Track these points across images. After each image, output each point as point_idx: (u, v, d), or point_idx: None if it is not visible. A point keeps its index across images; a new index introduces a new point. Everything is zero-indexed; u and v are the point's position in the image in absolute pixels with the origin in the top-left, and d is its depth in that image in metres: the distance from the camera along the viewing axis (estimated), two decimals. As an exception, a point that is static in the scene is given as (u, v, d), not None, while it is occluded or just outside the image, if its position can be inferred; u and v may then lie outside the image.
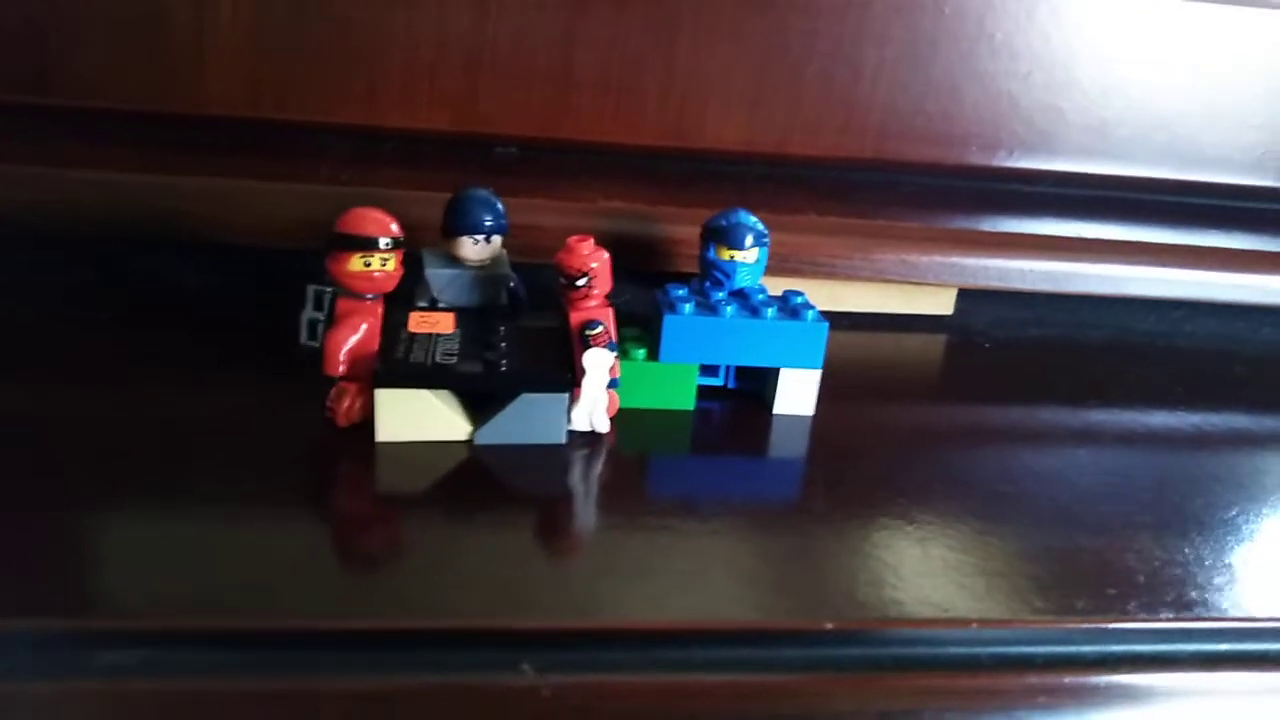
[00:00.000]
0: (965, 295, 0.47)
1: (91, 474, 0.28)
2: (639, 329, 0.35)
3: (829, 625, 0.25)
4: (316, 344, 0.30)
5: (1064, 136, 0.49)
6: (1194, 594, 0.27)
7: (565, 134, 0.46)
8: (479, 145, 0.46)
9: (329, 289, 0.31)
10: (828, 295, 0.44)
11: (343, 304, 0.31)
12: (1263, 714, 0.26)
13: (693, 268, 0.39)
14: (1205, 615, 0.27)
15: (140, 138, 0.42)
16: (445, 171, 0.44)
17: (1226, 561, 0.29)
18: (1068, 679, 0.25)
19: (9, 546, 0.25)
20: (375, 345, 0.31)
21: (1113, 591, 0.27)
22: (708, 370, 0.36)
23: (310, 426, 0.31)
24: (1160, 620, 0.26)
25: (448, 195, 0.34)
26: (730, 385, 0.37)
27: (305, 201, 0.39)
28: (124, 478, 0.28)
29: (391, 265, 0.31)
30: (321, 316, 0.30)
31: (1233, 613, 0.27)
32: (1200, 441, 0.38)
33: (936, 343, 0.45)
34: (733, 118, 0.46)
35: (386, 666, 0.23)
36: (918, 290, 0.45)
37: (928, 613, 0.26)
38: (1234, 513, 0.32)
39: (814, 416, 0.35)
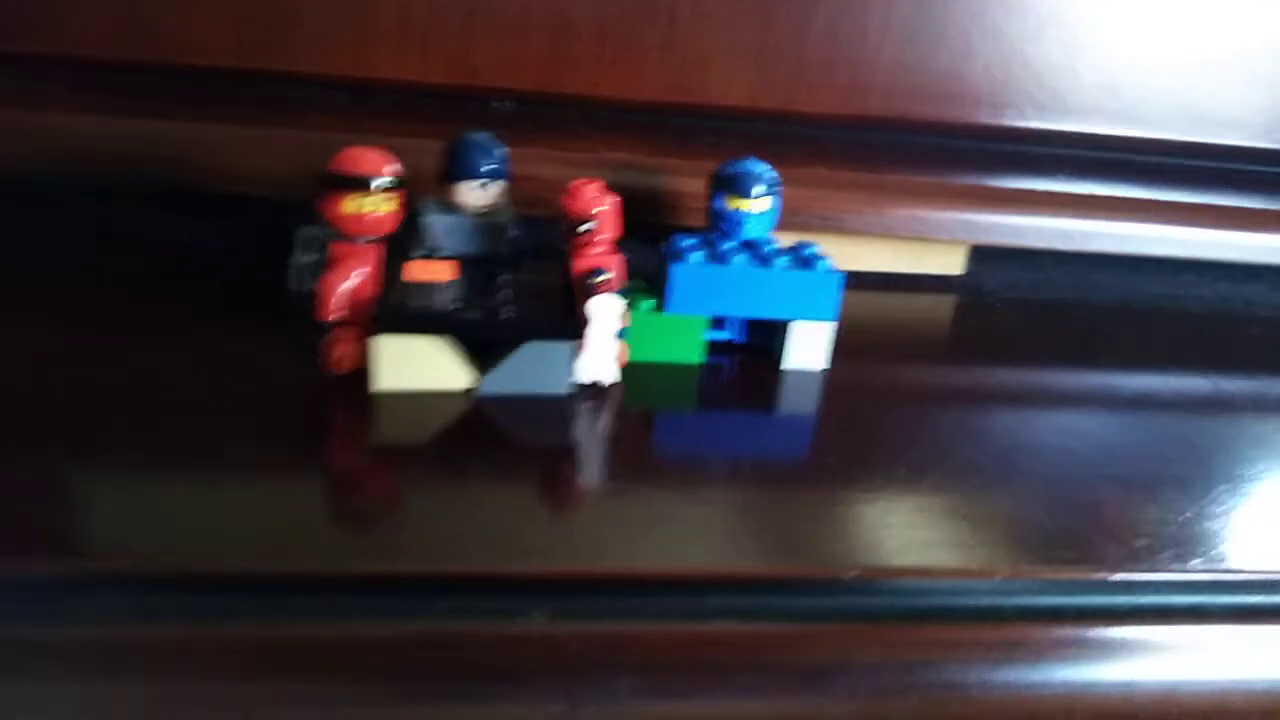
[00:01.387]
0: (975, 256, 0.45)
1: (83, 423, 0.27)
2: (645, 281, 0.34)
3: (851, 573, 0.24)
4: (305, 290, 0.29)
5: (1077, 96, 0.47)
6: (1225, 547, 0.26)
7: (564, 88, 0.45)
8: (474, 99, 0.45)
9: (322, 232, 0.29)
10: (836, 254, 0.42)
11: (337, 247, 0.29)
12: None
13: (697, 221, 0.38)
14: (1239, 568, 0.26)
15: (126, 87, 0.40)
16: (440, 125, 0.42)
17: (1257, 515, 0.28)
18: (1089, 631, 0.24)
19: (6, 493, 0.24)
20: (371, 290, 0.29)
21: (1142, 543, 0.26)
22: (716, 324, 0.35)
23: (305, 375, 0.30)
24: (1193, 572, 0.25)
25: (443, 144, 0.33)
26: (739, 339, 0.35)
27: (294, 148, 0.37)
28: (112, 426, 0.27)
29: (388, 207, 0.29)
30: (314, 260, 0.29)
31: (1267, 566, 0.26)
32: (1219, 401, 0.37)
33: (946, 302, 0.44)
34: (737, 72, 0.45)
35: (392, 612, 0.22)
36: (928, 249, 0.44)
37: (952, 561, 0.24)
38: (1259, 469, 0.31)
39: (824, 372, 0.34)
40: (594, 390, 0.31)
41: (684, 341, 0.33)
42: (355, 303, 0.29)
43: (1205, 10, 0.47)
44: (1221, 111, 0.49)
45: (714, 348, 0.34)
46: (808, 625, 0.23)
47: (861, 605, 0.24)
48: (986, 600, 0.24)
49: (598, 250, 0.31)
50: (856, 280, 0.43)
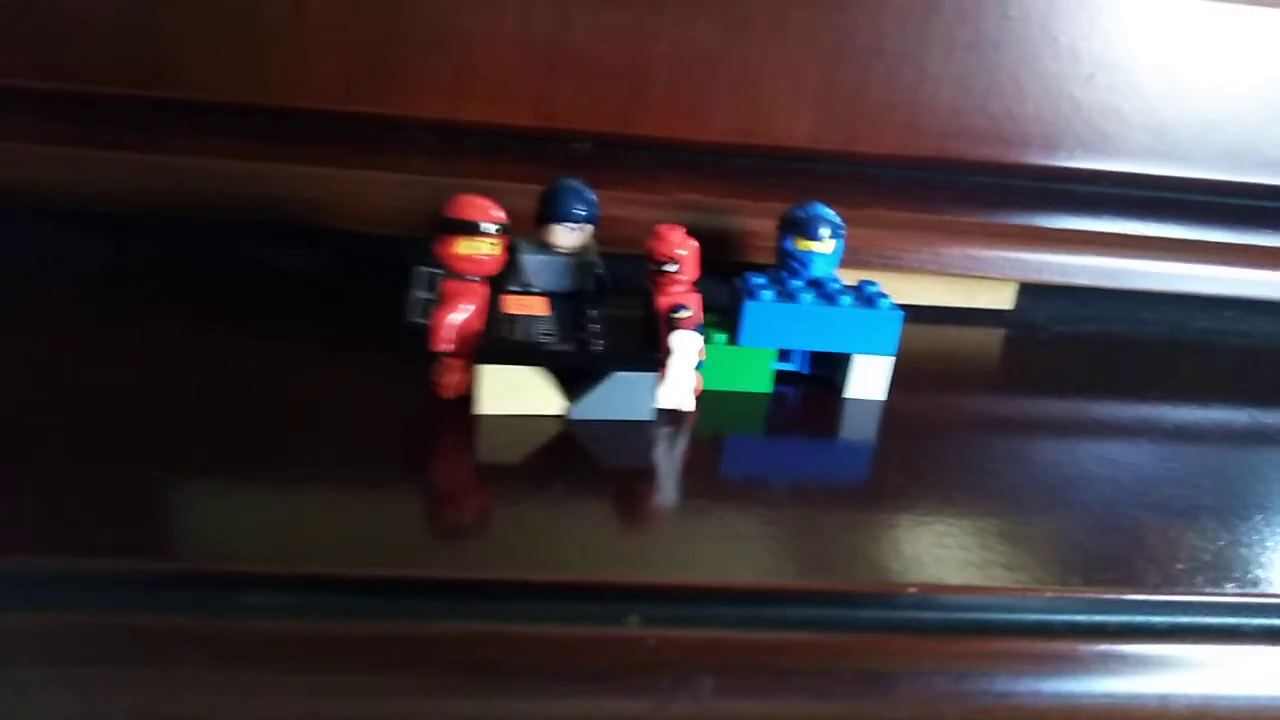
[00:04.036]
0: (1024, 291, 0.48)
1: (215, 437, 0.30)
2: (717, 315, 0.37)
3: (911, 589, 0.27)
4: (424, 321, 0.32)
5: (1124, 137, 0.50)
6: (1259, 572, 0.29)
7: (638, 130, 0.48)
8: (556, 140, 0.48)
9: (437, 270, 0.33)
10: (892, 289, 0.45)
11: (448, 285, 0.33)
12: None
13: (764, 259, 0.41)
14: (1271, 592, 0.28)
15: (240, 128, 0.44)
16: (524, 165, 0.46)
17: (1289, 544, 0.30)
18: (1137, 648, 0.27)
19: (146, 498, 0.27)
20: (478, 324, 0.33)
21: (1180, 567, 0.28)
22: (784, 355, 0.37)
23: (416, 399, 0.33)
24: (1227, 595, 0.28)
25: (529, 186, 0.36)
26: (805, 370, 0.38)
27: (399, 190, 0.41)
28: (245, 443, 0.30)
29: (496, 249, 0.33)
30: (430, 296, 0.32)
31: (1296, 590, 0.28)
32: (1257, 434, 0.39)
33: (997, 336, 0.46)
34: (801, 115, 0.48)
35: (496, 616, 0.25)
36: (980, 285, 0.47)
37: (1001, 580, 0.27)
38: (1296, 500, 0.33)
39: (884, 402, 0.37)
40: (673, 416, 0.34)
41: (754, 372, 0.36)
42: (463, 335, 0.33)
43: (1250, 53, 0.49)
44: (1264, 152, 0.51)
45: (781, 377, 0.37)
46: (869, 635, 0.26)
47: (918, 619, 0.27)
48: (1033, 616, 0.27)
49: (679, 289, 0.34)
50: (912, 313, 0.46)
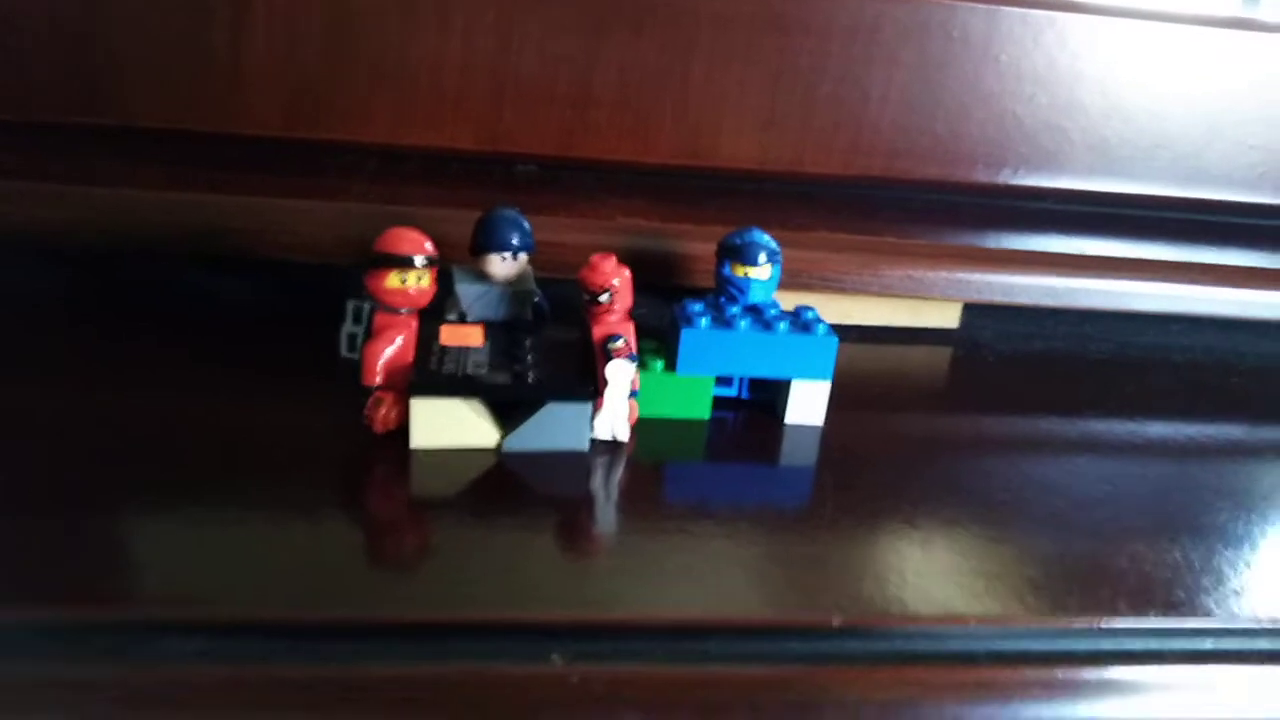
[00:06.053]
0: (970, 309, 0.48)
1: (139, 474, 0.30)
2: (656, 341, 0.37)
3: (836, 621, 0.27)
4: (355, 356, 0.32)
5: (1068, 155, 0.50)
6: (1181, 594, 0.29)
7: (583, 152, 0.48)
8: (500, 163, 0.48)
9: (366, 303, 0.33)
10: (837, 309, 0.46)
11: (380, 318, 0.33)
12: (1246, 707, 0.28)
13: (706, 282, 0.41)
14: (1191, 614, 0.28)
15: (180, 156, 0.44)
16: (467, 189, 0.46)
17: (1214, 565, 0.30)
18: (1061, 673, 0.27)
19: (62, 541, 0.27)
20: (410, 357, 0.33)
21: (1105, 592, 0.29)
22: (722, 381, 0.37)
23: (349, 433, 0.33)
24: (1148, 618, 0.28)
25: (471, 212, 0.36)
26: (744, 396, 0.38)
27: (337, 219, 0.41)
28: (172, 479, 0.30)
29: (426, 282, 0.33)
30: (360, 330, 0.32)
31: (1217, 613, 0.28)
32: (1196, 451, 0.39)
33: (942, 355, 0.46)
34: (746, 137, 0.48)
35: (422, 656, 0.25)
36: (924, 304, 0.47)
37: (928, 610, 0.27)
38: (1224, 519, 0.33)
39: (824, 426, 0.37)
40: (610, 446, 0.34)
41: (692, 399, 0.36)
42: (395, 367, 0.32)
43: (1191, 70, 0.49)
44: (1209, 167, 0.51)
45: (720, 403, 0.37)
46: (797, 667, 0.26)
47: (848, 649, 0.27)
48: (967, 645, 0.27)
49: (613, 318, 0.34)
50: (855, 333, 0.46)
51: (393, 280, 0.32)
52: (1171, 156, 0.51)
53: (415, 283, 0.32)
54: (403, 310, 0.33)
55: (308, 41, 0.44)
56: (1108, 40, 0.48)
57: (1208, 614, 0.28)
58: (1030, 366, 0.46)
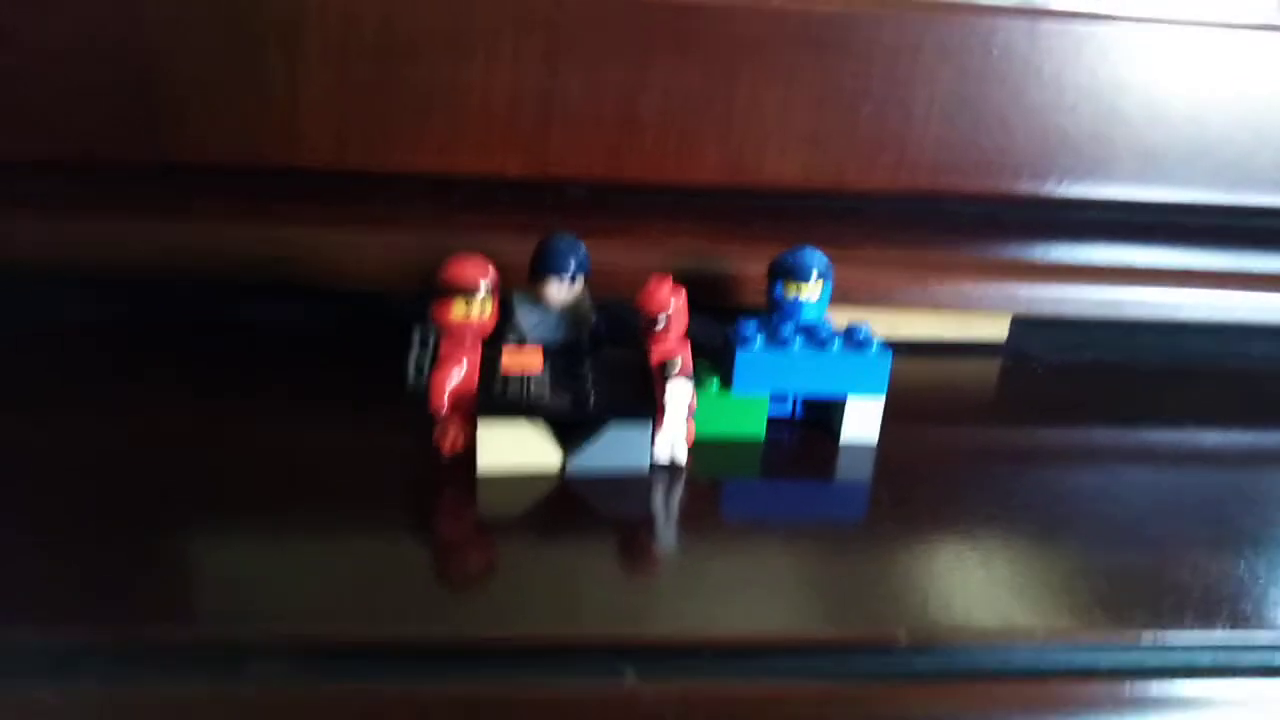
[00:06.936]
0: (1019, 321, 0.48)
1: (218, 498, 0.31)
2: (710, 360, 0.38)
3: (902, 636, 0.27)
4: (423, 382, 0.33)
5: (1113, 165, 0.50)
6: (1248, 607, 0.29)
7: (631, 174, 0.49)
8: (549, 188, 0.49)
9: (432, 330, 0.34)
10: (886, 324, 0.46)
11: (446, 344, 0.34)
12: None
13: (755, 300, 0.41)
14: (1259, 627, 0.28)
15: (242, 190, 0.45)
16: (518, 213, 0.47)
17: (1279, 577, 0.30)
18: (1129, 688, 0.27)
19: (141, 563, 0.28)
20: (474, 382, 0.34)
21: (1170, 605, 0.29)
22: (777, 400, 0.38)
23: (417, 457, 0.34)
24: (1216, 632, 0.28)
25: (522, 236, 0.37)
26: (798, 415, 0.39)
27: (392, 247, 0.42)
28: (250, 502, 0.31)
29: (489, 308, 0.34)
30: (427, 356, 0.33)
31: (1285, 625, 0.28)
32: (1252, 461, 0.39)
33: (991, 368, 0.47)
34: (790, 156, 0.49)
35: (492, 674, 0.26)
36: (973, 317, 0.47)
37: (995, 624, 0.28)
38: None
39: (879, 441, 0.38)
40: (669, 465, 0.35)
41: (748, 419, 0.37)
42: (461, 392, 0.33)
43: (1235, 74, 0.49)
44: (1256, 172, 0.51)
45: (773, 422, 0.38)
46: (864, 684, 0.27)
47: (916, 665, 0.27)
48: (1035, 660, 0.27)
49: (670, 341, 0.35)
50: (905, 348, 0.47)
51: (458, 309, 0.33)
52: (1218, 163, 0.51)
53: (479, 310, 0.33)
54: (468, 337, 0.34)
55: (359, 72, 0.46)
56: (1150, 48, 0.48)
57: (1276, 627, 0.28)
58: (1080, 377, 0.46)
